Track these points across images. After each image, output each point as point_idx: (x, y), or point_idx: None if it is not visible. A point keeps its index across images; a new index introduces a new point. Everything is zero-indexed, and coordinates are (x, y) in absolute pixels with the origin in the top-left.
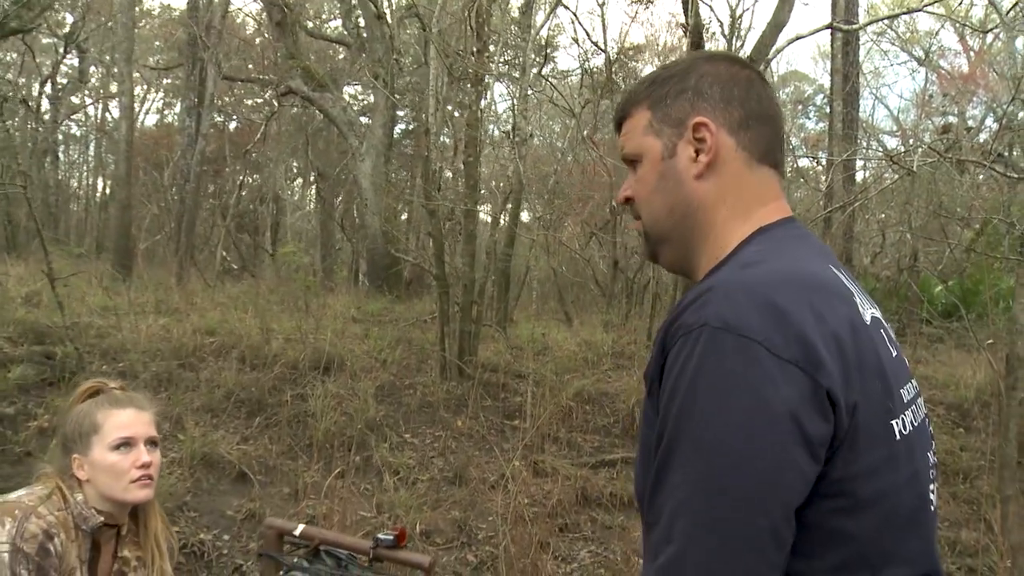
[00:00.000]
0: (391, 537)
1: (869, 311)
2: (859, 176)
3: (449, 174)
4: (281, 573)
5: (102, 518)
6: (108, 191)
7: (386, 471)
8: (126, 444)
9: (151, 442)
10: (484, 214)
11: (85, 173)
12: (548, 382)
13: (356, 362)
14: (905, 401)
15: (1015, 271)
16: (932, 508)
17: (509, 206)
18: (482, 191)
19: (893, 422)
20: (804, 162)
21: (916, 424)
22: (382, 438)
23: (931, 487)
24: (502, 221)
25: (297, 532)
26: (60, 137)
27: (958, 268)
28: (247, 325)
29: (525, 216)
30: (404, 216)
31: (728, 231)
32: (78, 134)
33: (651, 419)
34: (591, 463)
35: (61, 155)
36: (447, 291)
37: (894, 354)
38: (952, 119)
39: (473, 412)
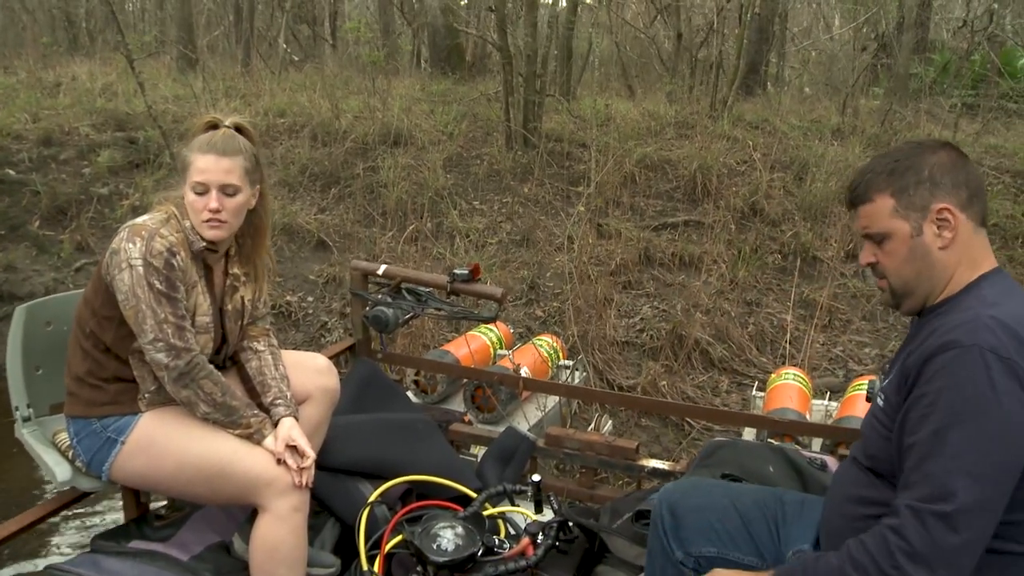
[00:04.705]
0: (467, 272)
1: None
2: None
3: None
4: (367, 308)
5: (204, 243)
6: None
7: (457, 235)
8: (202, 187)
9: (225, 189)
10: None
11: None
12: (612, 150)
13: (424, 136)
14: None
15: None
16: None
17: None
18: None
19: None
20: None
21: None
22: (452, 205)
23: None
24: None
25: (380, 271)
26: None
27: None
28: (316, 105)
29: None
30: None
31: (960, 280)
32: None
33: (898, 401)
34: (653, 225)
35: None
36: (510, 62)
37: None
38: None
39: (539, 179)
